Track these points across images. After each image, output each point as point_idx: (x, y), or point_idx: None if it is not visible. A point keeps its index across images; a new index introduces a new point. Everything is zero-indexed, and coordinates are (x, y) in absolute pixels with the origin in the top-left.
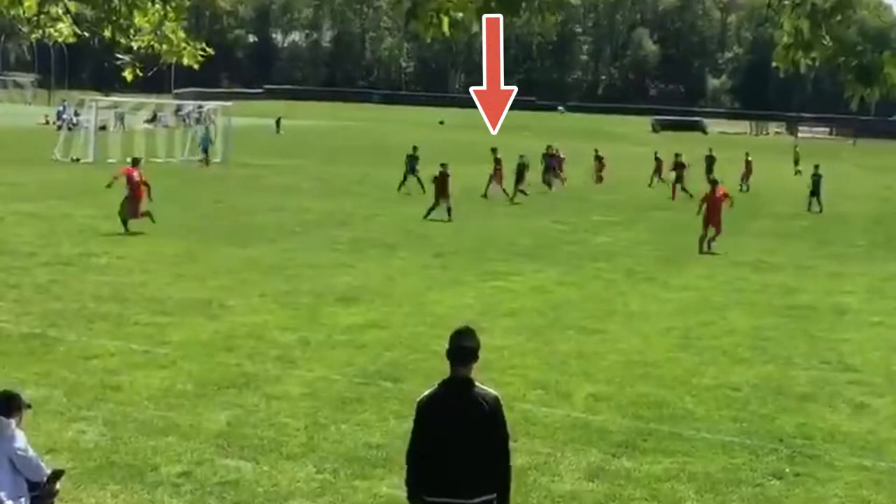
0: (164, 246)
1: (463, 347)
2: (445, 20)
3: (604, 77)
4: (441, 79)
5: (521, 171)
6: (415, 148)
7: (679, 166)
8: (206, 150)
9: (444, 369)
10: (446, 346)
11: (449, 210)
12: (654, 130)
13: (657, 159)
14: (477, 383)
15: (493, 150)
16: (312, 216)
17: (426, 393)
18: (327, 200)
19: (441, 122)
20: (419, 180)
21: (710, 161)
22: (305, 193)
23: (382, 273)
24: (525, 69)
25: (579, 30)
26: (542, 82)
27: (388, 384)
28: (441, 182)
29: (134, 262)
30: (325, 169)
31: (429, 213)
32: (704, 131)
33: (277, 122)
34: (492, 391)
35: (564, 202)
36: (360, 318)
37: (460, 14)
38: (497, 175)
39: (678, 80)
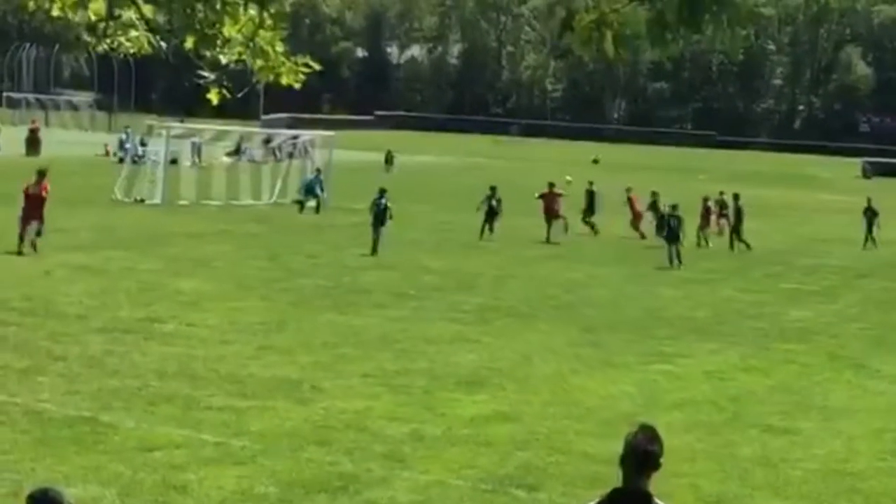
0: (245, 311)
1: (645, 451)
2: (608, 34)
3: (802, 107)
4: (596, 106)
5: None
6: (493, 188)
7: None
8: (314, 194)
9: (590, 474)
10: (620, 449)
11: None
12: (866, 176)
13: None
14: (656, 499)
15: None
16: (430, 277)
17: None
18: (449, 257)
19: (595, 161)
20: (490, 225)
21: (870, 216)
22: (422, 248)
23: (516, 351)
24: (702, 97)
25: (772, 47)
26: (723, 112)
27: (521, 493)
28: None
29: (208, 331)
30: (447, 217)
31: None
32: None
33: (388, 157)
34: None
35: (751, 264)
36: (487, 408)
37: (627, 29)
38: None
39: None
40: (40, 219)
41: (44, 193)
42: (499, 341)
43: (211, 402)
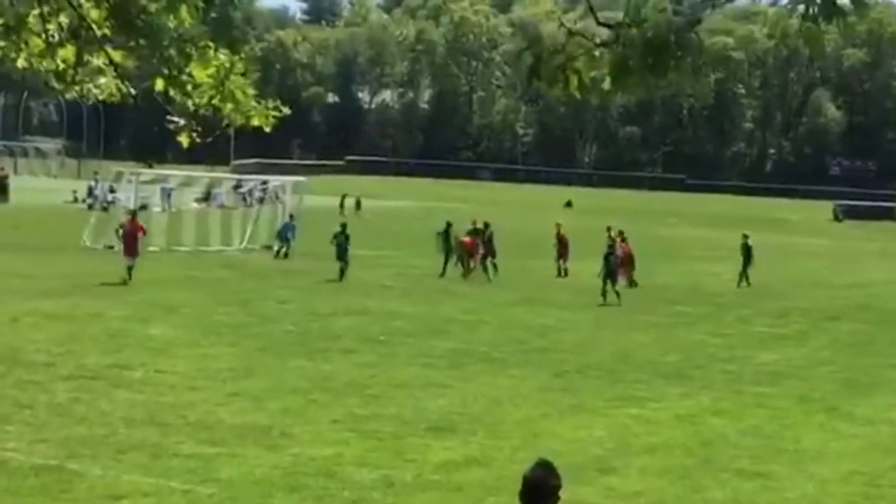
0: (214, 357)
1: (542, 486)
2: (574, 78)
3: (772, 150)
4: (567, 150)
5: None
6: (448, 224)
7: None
8: (287, 240)
9: None
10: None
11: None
12: (837, 218)
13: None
14: None
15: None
16: (401, 322)
17: None
18: (420, 302)
19: (567, 205)
20: (446, 261)
21: (746, 251)
22: (392, 293)
23: (487, 396)
24: (672, 140)
25: (742, 90)
26: (694, 156)
27: None
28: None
29: (176, 377)
30: (417, 262)
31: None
32: None
33: (342, 201)
34: None
35: (721, 308)
36: (458, 454)
37: (592, 72)
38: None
39: (867, 156)
40: (136, 253)
41: (139, 232)
42: (469, 386)
43: (179, 449)
